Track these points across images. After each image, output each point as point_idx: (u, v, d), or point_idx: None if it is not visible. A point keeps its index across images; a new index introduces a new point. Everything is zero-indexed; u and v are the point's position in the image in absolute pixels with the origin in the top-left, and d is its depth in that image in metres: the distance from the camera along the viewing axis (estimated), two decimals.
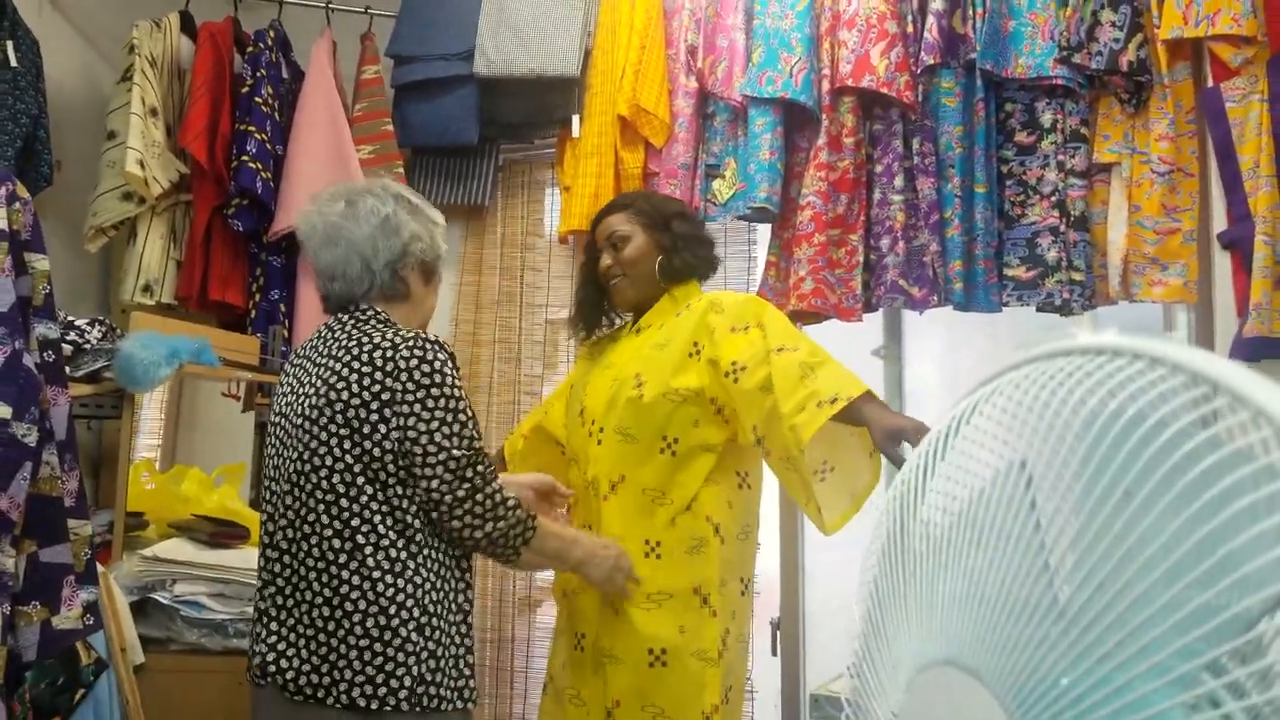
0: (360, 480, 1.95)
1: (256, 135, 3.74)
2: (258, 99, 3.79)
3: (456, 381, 2.03)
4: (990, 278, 3.18)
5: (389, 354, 1.98)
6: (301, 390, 2.06)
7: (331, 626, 1.92)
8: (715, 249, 2.65)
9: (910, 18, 3.27)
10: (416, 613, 1.93)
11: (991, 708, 0.88)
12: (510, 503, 2.03)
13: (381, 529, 1.94)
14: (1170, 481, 0.78)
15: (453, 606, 2.02)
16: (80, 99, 3.89)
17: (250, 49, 3.90)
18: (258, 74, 3.83)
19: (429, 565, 1.98)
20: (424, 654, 1.93)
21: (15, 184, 1.89)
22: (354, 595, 1.92)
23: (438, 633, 1.96)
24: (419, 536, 1.97)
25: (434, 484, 1.95)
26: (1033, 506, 0.90)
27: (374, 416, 1.95)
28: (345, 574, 1.93)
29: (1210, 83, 2.91)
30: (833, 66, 3.33)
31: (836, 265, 3.29)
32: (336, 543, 1.94)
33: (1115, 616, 0.81)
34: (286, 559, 2.01)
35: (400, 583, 1.93)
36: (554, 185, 4.03)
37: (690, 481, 2.38)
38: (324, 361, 2.05)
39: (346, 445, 1.95)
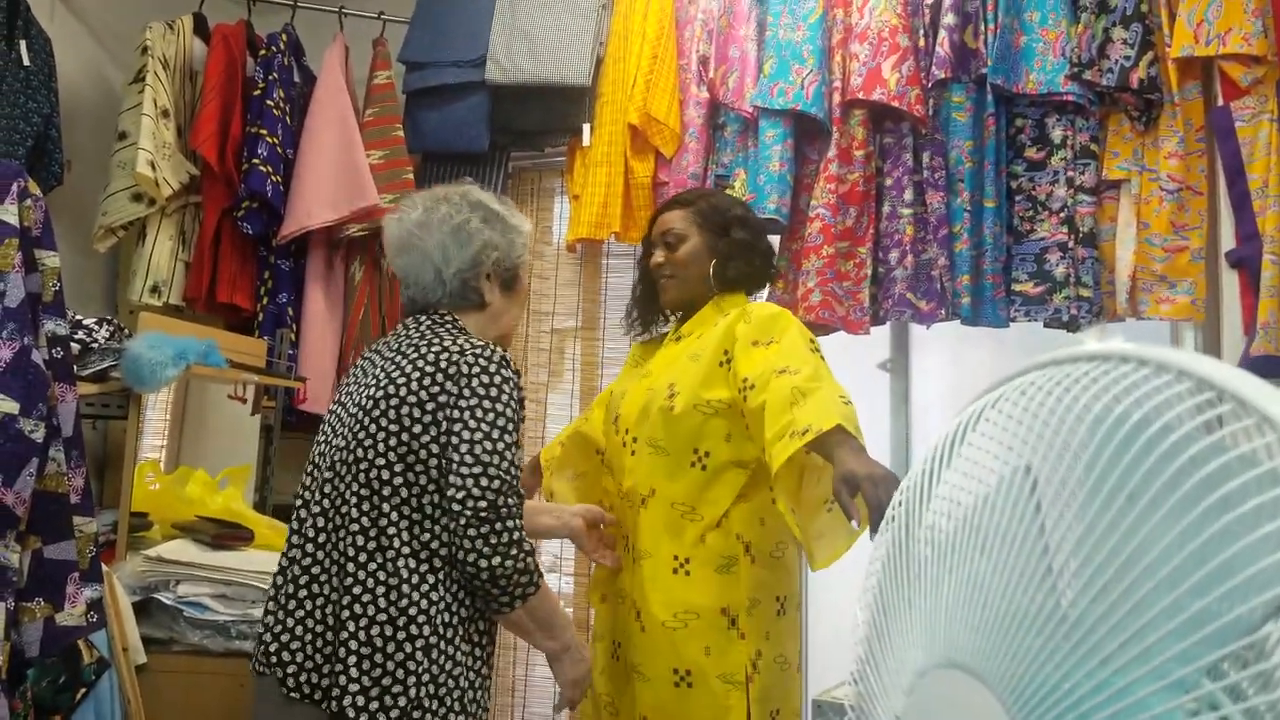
0: (398, 480, 1.90)
1: (267, 138, 3.75)
2: (269, 102, 3.81)
3: (514, 401, 1.96)
4: (998, 293, 3.18)
5: (454, 357, 1.94)
6: (364, 381, 2.04)
7: (337, 626, 1.87)
8: (772, 260, 2.59)
9: (922, 32, 3.28)
10: (427, 631, 1.86)
11: (994, 710, 0.88)
12: (527, 546, 1.92)
13: (408, 535, 1.89)
14: (1173, 486, 0.79)
15: (470, 635, 1.94)
16: (92, 99, 3.90)
17: (263, 52, 3.92)
18: (270, 77, 3.85)
19: (448, 586, 1.90)
20: (425, 677, 1.84)
21: (27, 181, 1.90)
22: (365, 598, 1.86)
23: (444, 659, 1.88)
24: (444, 551, 1.90)
25: (459, 495, 1.86)
26: (1038, 511, 0.90)
27: (426, 418, 1.90)
28: (363, 574, 1.87)
29: (1220, 101, 2.92)
30: (844, 79, 3.34)
31: (844, 278, 3.29)
32: (361, 539, 1.88)
33: (1117, 620, 0.81)
34: (310, 547, 1.96)
35: (416, 595, 1.86)
36: (563, 193, 4.04)
37: (721, 498, 2.31)
38: (391, 356, 2.02)
39: (392, 442, 1.91)
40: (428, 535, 1.90)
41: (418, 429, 1.90)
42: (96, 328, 3.20)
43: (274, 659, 1.92)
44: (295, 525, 2.03)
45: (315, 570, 1.94)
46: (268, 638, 1.96)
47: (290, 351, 3.77)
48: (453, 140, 3.92)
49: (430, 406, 1.91)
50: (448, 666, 1.88)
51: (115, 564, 2.92)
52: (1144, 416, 0.81)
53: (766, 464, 2.26)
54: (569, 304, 3.97)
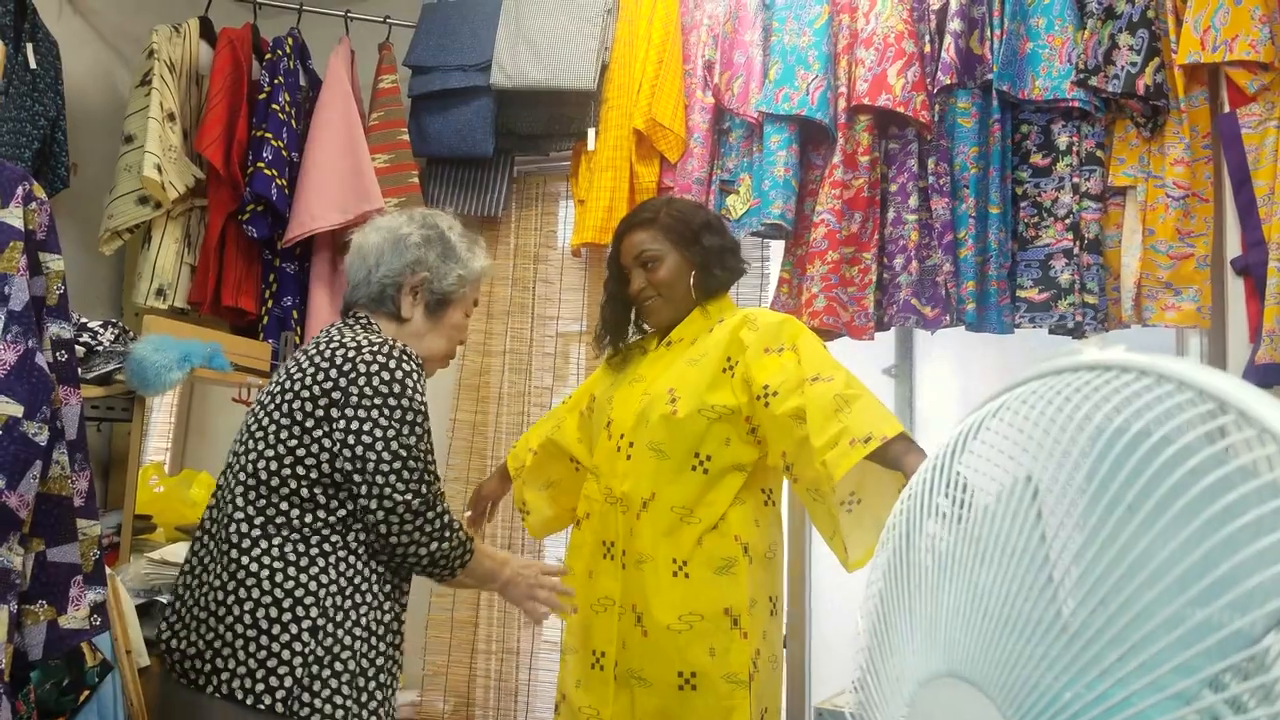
0: (286, 472, 1.94)
1: (273, 142, 3.75)
2: (275, 106, 3.81)
3: (419, 394, 2.01)
4: (1003, 299, 3.17)
5: (350, 355, 1.98)
6: (276, 378, 2.09)
7: (222, 612, 1.90)
8: (740, 252, 2.61)
9: (928, 38, 3.28)
10: (314, 613, 1.89)
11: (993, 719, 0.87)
12: (455, 525, 2.05)
13: (297, 523, 1.93)
14: (1174, 497, 0.78)
15: (362, 620, 1.96)
16: (98, 102, 3.91)
17: (269, 56, 3.92)
18: (275, 81, 3.85)
19: (340, 570, 1.94)
20: (310, 658, 1.88)
21: (32, 184, 1.90)
22: (249, 582, 1.89)
23: (331, 641, 1.90)
24: (335, 537, 1.94)
25: (388, 490, 1.93)
26: (1038, 520, 0.90)
27: (319, 412, 1.95)
28: (247, 560, 1.91)
29: (1227, 108, 2.91)
30: (849, 85, 3.34)
31: (849, 283, 3.29)
32: (245, 526, 1.93)
33: (1117, 631, 0.80)
34: (205, 539, 2.02)
35: (303, 578, 1.90)
36: (568, 198, 4.04)
37: (720, 500, 2.34)
38: (299, 353, 2.08)
39: (283, 435, 1.95)
40: (320, 523, 1.94)
41: (310, 423, 1.95)
42: (102, 330, 3.21)
43: (163, 646, 1.98)
44: (208, 509, 2.10)
45: (207, 561, 1.99)
46: (163, 626, 2.02)
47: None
48: (458, 144, 3.93)
49: (323, 402, 1.95)
50: (335, 650, 1.91)
51: (119, 566, 2.93)
52: (1144, 427, 0.81)
53: (763, 464, 2.38)
54: (574, 308, 3.97)
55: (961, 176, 3.21)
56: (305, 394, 1.96)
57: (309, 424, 1.95)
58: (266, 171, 3.70)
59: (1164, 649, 0.78)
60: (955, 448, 1.05)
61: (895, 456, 2.08)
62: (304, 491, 1.94)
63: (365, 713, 1.95)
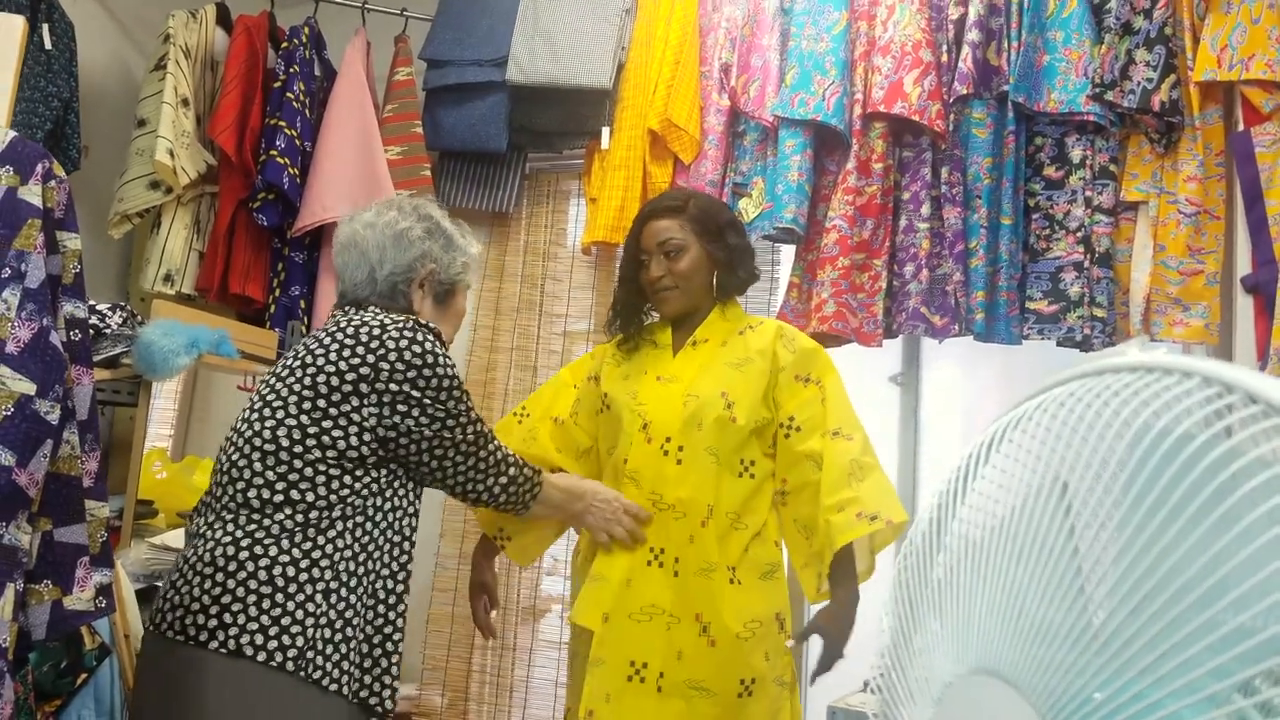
0: (310, 442, 1.94)
1: (286, 131, 3.75)
2: (289, 95, 3.81)
3: (447, 360, 2.05)
4: (1012, 310, 3.17)
5: (375, 332, 2.00)
6: (285, 360, 2.09)
7: (233, 568, 1.88)
8: (755, 260, 2.60)
9: (945, 47, 3.28)
10: (329, 576, 1.91)
11: (1027, 717, 0.87)
12: (512, 458, 2.16)
13: (322, 489, 1.94)
14: (1215, 502, 0.78)
15: (373, 589, 1.98)
16: (111, 85, 3.91)
17: (285, 45, 3.93)
18: (291, 70, 3.85)
19: (356, 535, 1.96)
20: (323, 620, 1.88)
21: (52, 162, 1.89)
22: (267, 541, 1.90)
23: (343, 604, 1.92)
24: (358, 502, 1.96)
25: (439, 454, 2.03)
26: (1072, 527, 0.90)
27: (346, 387, 1.96)
28: (268, 521, 1.91)
29: (1241, 127, 2.91)
30: (865, 91, 3.34)
31: (859, 289, 3.29)
32: (266, 493, 1.93)
33: (1154, 635, 0.80)
34: (211, 500, 2.02)
35: (321, 540, 1.92)
36: (580, 196, 4.04)
37: (762, 507, 2.38)
38: (315, 335, 2.09)
39: (306, 407, 1.96)
40: (344, 489, 1.96)
41: (336, 397, 1.96)
42: (110, 313, 3.21)
43: (164, 607, 1.94)
44: (206, 493, 2.10)
45: (213, 521, 1.97)
46: (160, 593, 2.00)
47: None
48: (471, 139, 3.92)
49: (350, 377, 1.96)
50: (347, 614, 1.93)
51: (120, 550, 2.93)
52: (1186, 431, 0.81)
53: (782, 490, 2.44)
54: (582, 307, 3.97)
55: (974, 186, 3.21)
56: (330, 369, 1.96)
57: (335, 398, 1.95)
58: (279, 160, 3.70)
59: (1199, 653, 0.78)
60: (991, 443, 1.04)
61: (884, 539, 2.30)
62: (328, 461, 1.94)
63: (369, 679, 1.96)
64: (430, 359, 2.00)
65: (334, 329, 2.04)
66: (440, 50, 3.98)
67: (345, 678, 1.91)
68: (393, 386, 1.96)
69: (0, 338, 1.77)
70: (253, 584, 1.87)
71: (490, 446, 2.12)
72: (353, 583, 1.94)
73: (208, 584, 1.89)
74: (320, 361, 1.98)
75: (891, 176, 3.33)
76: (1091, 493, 0.89)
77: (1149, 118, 3.03)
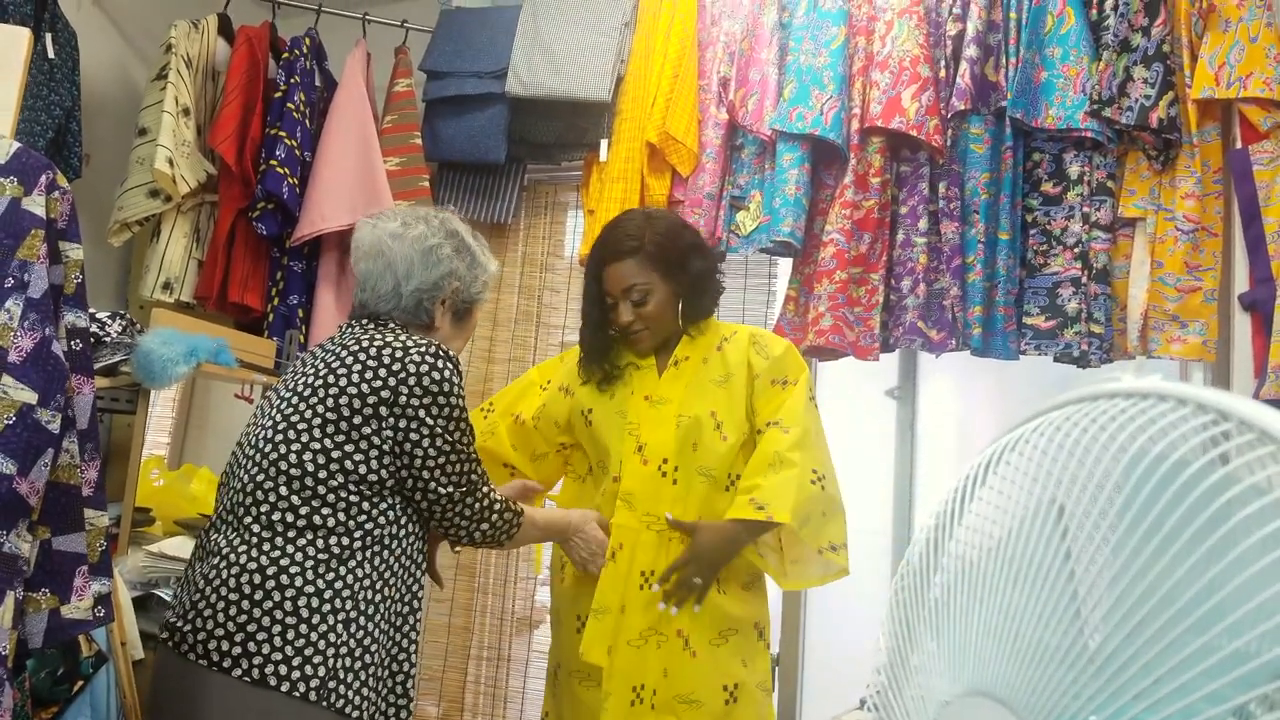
0: (334, 466, 1.95)
1: (286, 141, 3.76)
2: (290, 105, 3.82)
3: (461, 392, 2.06)
4: (1009, 325, 3.19)
5: (398, 354, 2.00)
6: (302, 371, 2.08)
7: (259, 596, 1.89)
8: (719, 263, 2.60)
9: (943, 63, 3.30)
10: (349, 606, 1.92)
11: None
12: (498, 505, 2.15)
13: (343, 515, 1.94)
14: (1210, 528, 0.79)
15: (391, 616, 2.00)
16: (113, 93, 3.92)
17: (286, 55, 3.93)
18: (291, 80, 3.86)
19: (374, 564, 1.97)
20: (343, 649, 1.90)
21: (55, 173, 1.90)
22: (293, 569, 1.90)
23: (363, 633, 1.93)
24: (377, 532, 1.97)
25: (432, 485, 2.02)
26: (1068, 551, 0.91)
27: (368, 410, 1.96)
28: (292, 549, 1.91)
29: (1239, 144, 2.93)
30: (863, 106, 3.35)
31: (856, 303, 3.30)
32: (290, 516, 1.93)
33: (1149, 659, 0.81)
34: (232, 518, 2.00)
35: (342, 570, 1.92)
36: (578, 208, 4.05)
37: None
38: (332, 349, 2.08)
39: (329, 430, 1.96)
40: (364, 517, 1.97)
41: (358, 419, 1.96)
42: (109, 321, 3.21)
43: (184, 627, 1.94)
44: (217, 507, 2.10)
45: (236, 544, 1.96)
46: (177, 609, 2.00)
47: (299, 353, 3.78)
48: (470, 150, 3.93)
49: (373, 400, 1.97)
50: (366, 642, 1.94)
51: (117, 558, 2.92)
52: (1181, 457, 0.82)
53: None
54: (579, 318, 3.97)
55: (972, 201, 3.22)
56: (353, 389, 1.97)
57: (357, 420, 1.96)
58: (279, 169, 3.70)
59: (1194, 678, 0.79)
60: (988, 464, 1.05)
61: (754, 531, 2.36)
62: (349, 488, 1.95)
63: (385, 704, 1.99)
64: (447, 387, 2.01)
65: (355, 347, 2.03)
66: (440, 62, 3.99)
67: (365, 704, 1.93)
68: (409, 410, 1.97)
69: (3, 347, 1.77)
70: (278, 614, 1.88)
71: (480, 493, 2.11)
72: (370, 610, 1.95)
73: (233, 610, 1.90)
74: (343, 383, 1.98)
75: (889, 191, 3.35)
76: (1088, 515, 0.90)
77: (1147, 134, 3.04)
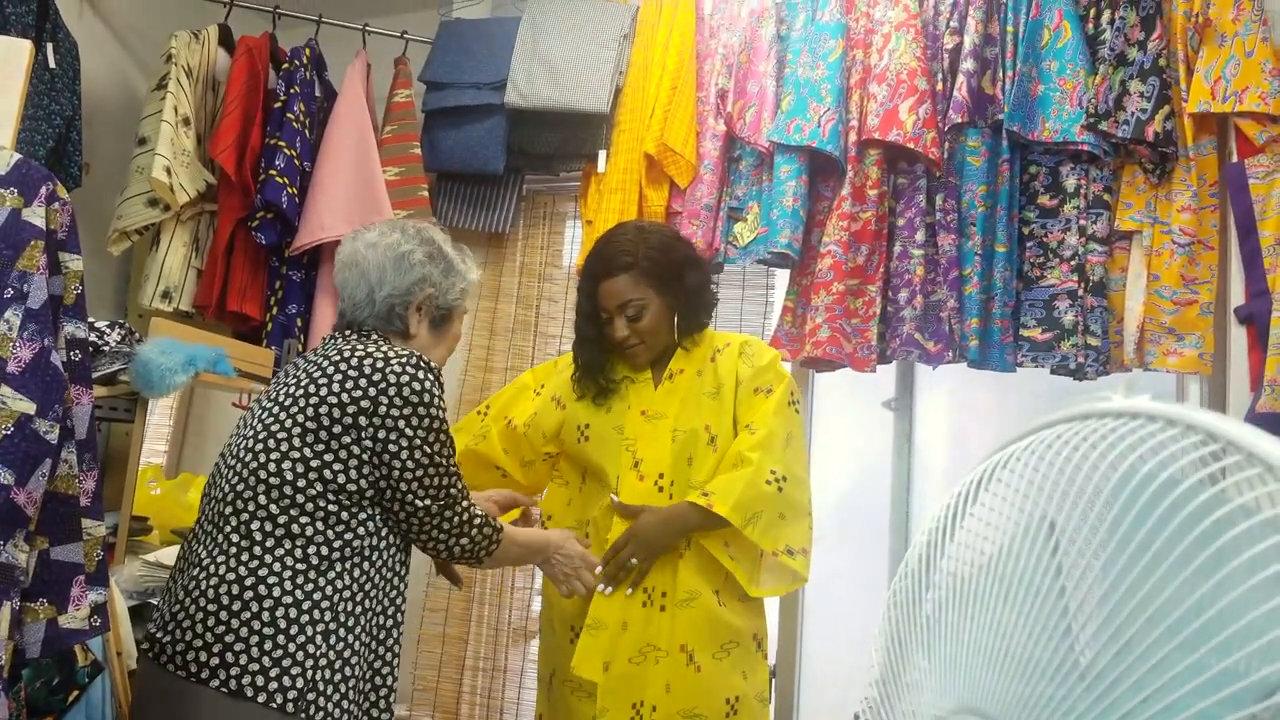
0: (313, 475, 1.95)
1: (286, 150, 3.77)
2: (290, 115, 3.83)
3: (441, 403, 2.06)
4: (1006, 337, 3.19)
5: (379, 364, 2.00)
6: (284, 382, 2.09)
7: (237, 607, 1.88)
8: (713, 273, 2.62)
9: (940, 76, 3.31)
10: (328, 617, 1.91)
11: None
12: (478, 520, 2.13)
13: (321, 525, 1.94)
14: (1199, 548, 0.80)
15: (371, 628, 1.99)
16: (113, 103, 3.92)
17: (286, 65, 3.94)
18: (291, 90, 3.87)
19: (354, 575, 1.96)
20: (322, 661, 1.89)
21: (56, 184, 1.91)
22: (271, 580, 1.90)
23: (342, 645, 1.93)
24: (356, 543, 1.97)
25: (410, 498, 2.01)
26: (1059, 569, 0.91)
27: (347, 420, 1.96)
28: (270, 559, 1.91)
29: (1235, 158, 2.94)
30: (861, 118, 3.36)
31: (853, 315, 3.31)
32: (269, 526, 1.93)
33: (1138, 677, 0.82)
34: (212, 528, 2.00)
35: (321, 582, 1.92)
36: (576, 218, 4.06)
37: None
38: (315, 359, 2.08)
39: (309, 439, 1.96)
40: (342, 527, 1.97)
41: (337, 429, 1.96)
42: (108, 330, 3.21)
43: (163, 638, 1.94)
44: (200, 518, 2.09)
45: (215, 554, 1.96)
46: (158, 619, 1.99)
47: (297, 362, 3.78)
48: (469, 161, 3.95)
49: (352, 410, 1.97)
50: (346, 654, 1.93)
51: (113, 567, 2.92)
52: (1171, 476, 0.82)
53: None
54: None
55: (969, 214, 3.24)
56: (332, 399, 1.97)
57: (336, 430, 1.96)
58: (278, 179, 3.71)
59: (1183, 696, 0.79)
60: (980, 482, 1.06)
61: (700, 528, 2.34)
62: (328, 498, 1.95)
63: (365, 717, 1.99)
64: (427, 398, 2.01)
65: (336, 357, 2.04)
66: (440, 73, 4.00)
67: (345, 716, 1.93)
68: (389, 421, 1.97)
69: (2, 357, 1.78)
70: (256, 624, 1.88)
71: (459, 507, 2.10)
72: (350, 622, 1.95)
73: (210, 620, 1.89)
74: (323, 392, 1.98)
75: (886, 203, 3.36)
76: (1079, 532, 0.90)
77: (1143, 148, 3.05)
